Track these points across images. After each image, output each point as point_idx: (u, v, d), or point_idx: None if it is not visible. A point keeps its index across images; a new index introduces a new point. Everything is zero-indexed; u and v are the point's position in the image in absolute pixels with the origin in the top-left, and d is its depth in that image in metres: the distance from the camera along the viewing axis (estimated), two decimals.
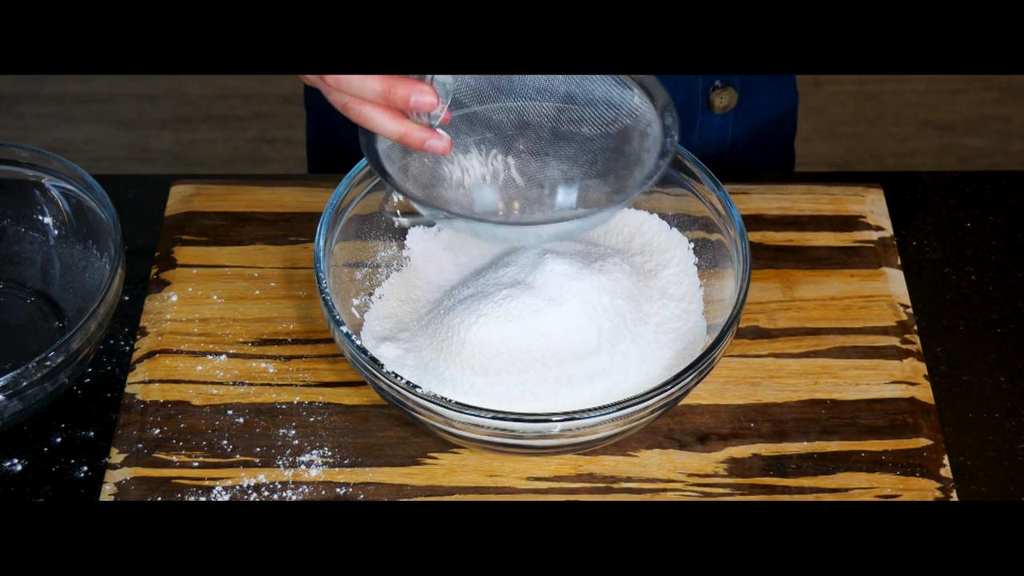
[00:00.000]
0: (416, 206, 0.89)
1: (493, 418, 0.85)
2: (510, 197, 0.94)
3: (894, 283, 1.03)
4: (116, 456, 0.94)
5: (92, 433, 0.96)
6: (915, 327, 1.01)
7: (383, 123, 0.86)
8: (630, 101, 0.90)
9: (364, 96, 0.85)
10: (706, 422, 0.96)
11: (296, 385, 0.98)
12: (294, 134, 2.26)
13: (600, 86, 0.91)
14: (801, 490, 0.92)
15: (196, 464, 0.94)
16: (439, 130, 0.87)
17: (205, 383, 0.98)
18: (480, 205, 0.94)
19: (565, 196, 0.94)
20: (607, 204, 0.89)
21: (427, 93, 0.85)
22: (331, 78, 0.85)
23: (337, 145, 1.25)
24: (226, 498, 0.92)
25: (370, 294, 0.99)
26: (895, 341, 1.00)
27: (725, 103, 1.16)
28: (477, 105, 0.92)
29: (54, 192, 1.03)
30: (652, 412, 0.88)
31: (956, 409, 0.98)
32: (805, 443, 0.95)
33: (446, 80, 0.88)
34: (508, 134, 0.93)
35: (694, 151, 1.06)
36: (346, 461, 0.94)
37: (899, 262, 1.05)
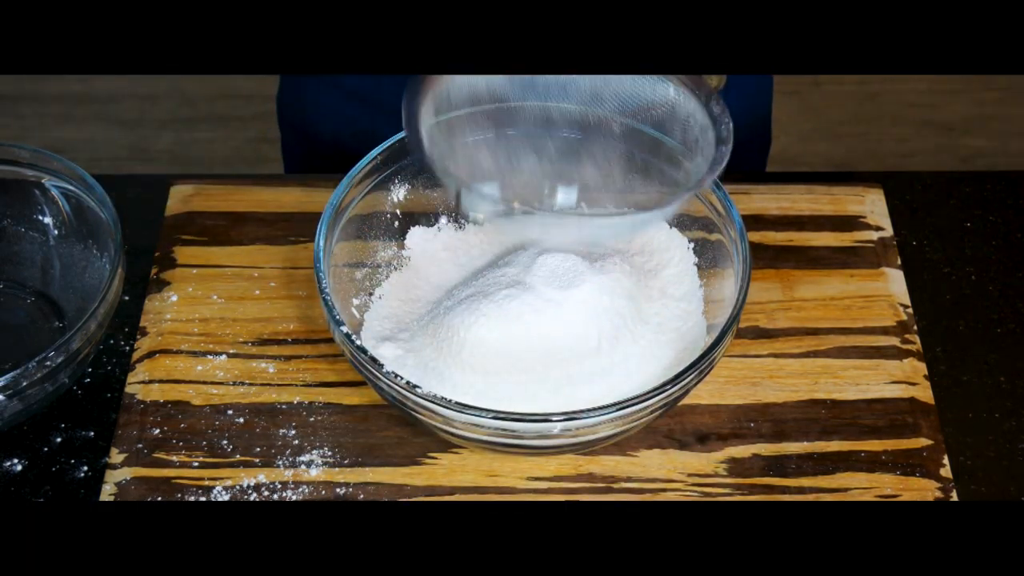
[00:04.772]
0: (461, 191, 0.86)
1: (493, 418, 0.85)
2: (557, 188, 0.95)
3: (894, 283, 1.03)
4: (116, 456, 0.94)
5: (92, 433, 0.96)
6: (915, 327, 1.01)
7: None
8: (665, 94, 0.90)
9: None
10: (706, 422, 0.96)
11: (296, 385, 0.98)
12: None
13: (627, 81, 0.91)
14: (801, 490, 0.92)
15: (196, 464, 0.94)
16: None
17: (205, 383, 0.98)
18: (525, 196, 0.92)
19: (610, 194, 0.94)
20: (667, 199, 0.87)
21: None
22: None
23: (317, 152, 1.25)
24: (226, 498, 0.92)
25: (370, 294, 0.99)
26: (895, 341, 1.00)
27: (715, 83, 1.16)
28: (503, 103, 0.92)
29: (54, 192, 1.02)
30: (652, 412, 0.88)
31: (956, 409, 0.98)
32: (805, 443, 0.95)
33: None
34: (540, 133, 0.93)
35: None
36: (346, 461, 0.94)
37: (899, 262, 1.05)
